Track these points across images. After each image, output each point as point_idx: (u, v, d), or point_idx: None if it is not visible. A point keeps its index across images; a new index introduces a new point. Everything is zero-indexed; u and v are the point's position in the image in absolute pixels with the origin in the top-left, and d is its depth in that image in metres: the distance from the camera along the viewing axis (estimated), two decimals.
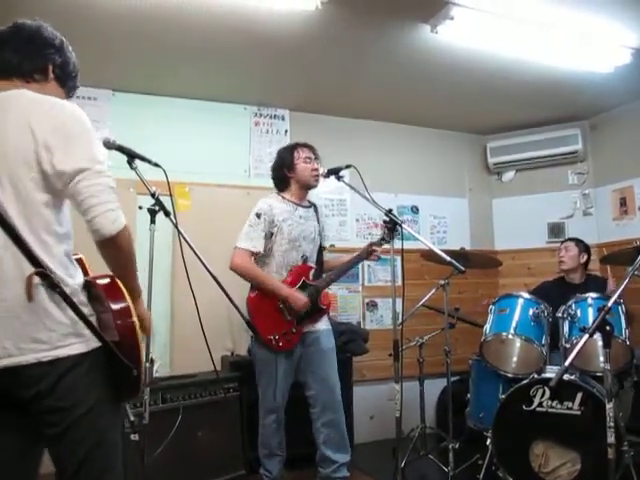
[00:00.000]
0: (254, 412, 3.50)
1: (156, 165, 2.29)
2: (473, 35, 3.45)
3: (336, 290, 4.73)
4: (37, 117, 1.55)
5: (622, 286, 2.03)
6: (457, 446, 3.56)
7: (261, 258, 3.23)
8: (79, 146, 1.57)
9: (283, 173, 3.34)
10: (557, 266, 4.24)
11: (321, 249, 3.44)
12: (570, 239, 4.24)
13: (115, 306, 1.63)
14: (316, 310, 3.26)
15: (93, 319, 1.61)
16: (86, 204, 1.54)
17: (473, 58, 3.80)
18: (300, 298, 3.15)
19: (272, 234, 3.21)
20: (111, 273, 1.69)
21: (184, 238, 2.26)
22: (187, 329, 3.71)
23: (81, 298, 1.60)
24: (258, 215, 3.20)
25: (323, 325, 3.34)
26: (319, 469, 3.22)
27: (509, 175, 5.50)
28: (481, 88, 4.35)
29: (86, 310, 1.60)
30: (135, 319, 1.65)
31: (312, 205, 3.44)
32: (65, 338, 1.54)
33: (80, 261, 1.76)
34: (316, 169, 3.27)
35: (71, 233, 1.68)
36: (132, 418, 2.20)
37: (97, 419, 1.58)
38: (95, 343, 1.59)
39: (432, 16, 3.25)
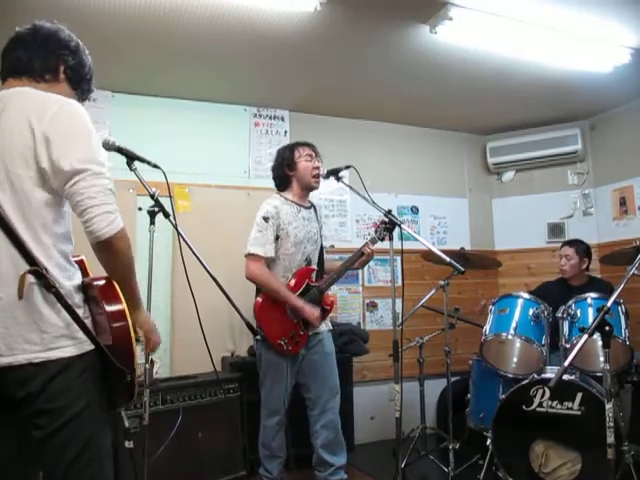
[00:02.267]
0: (254, 413, 3.50)
1: (155, 166, 2.29)
2: (472, 35, 3.45)
3: (336, 291, 4.73)
4: (37, 114, 1.55)
5: (621, 286, 2.03)
6: (457, 446, 3.56)
7: (267, 263, 3.17)
8: (78, 145, 1.56)
9: (284, 172, 3.29)
10: (557, 268, 4.23)
11: (322, 249, 3.43)
12: (570, 243, 4.13)
13: (109, 308, 1.61)
14: (321, 311, 3.26)
15: (88, 321, 1.60)
16: (83, 205, 1.53)
17: (472, 58, 3.80)
18: (313, 312, 3.13)
19: (278, 237, 3.16)
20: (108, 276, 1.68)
21: (184, 239, 2.26)
22: (187, 330, 3.71)
23: (76, 300, 1.59)
24: (266, 219, 3.14)
25: (325, 327, 3.32)
26: (316, 472, 3.20)
27: (509, 175, 5.50)
28: (480, 88, 4.35)
29: (81, 312, 1.58)
30: (130, 322, 1.62)
31: (312, 205, 3.41)
32: (57, 340, 1.53)
33: (81, 263, 1.75)
34: (317, 167, 3.24)
35: (71, 233, 1.67)
36: (127, 425, 2.16)
37: (86, 424, 1.56)
38: (88, 346, 1.57)
39: (431, 17, 3.26)
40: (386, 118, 5.09)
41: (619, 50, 3.69)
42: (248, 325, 2.25)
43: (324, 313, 3.28)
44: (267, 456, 3.16)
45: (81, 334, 1.56)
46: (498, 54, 3.73)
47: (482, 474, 3.30)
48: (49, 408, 1.50)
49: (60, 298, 1.51)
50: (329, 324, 3.38)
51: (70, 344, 1.54)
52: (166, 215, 2.32)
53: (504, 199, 5.52)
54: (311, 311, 3.12)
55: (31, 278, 1.49)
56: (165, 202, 2.37)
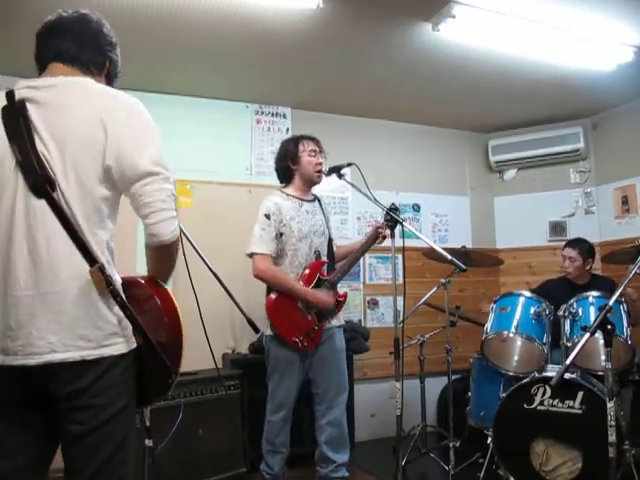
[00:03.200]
0: (255, 410, 3.51)
1: None
2: (475, 33, 3.44)
3: (338, 287, 4.72)
4: (109, 112, 1.53)
5: (623, 285, 2.03)
6: (458, 444, 3.57)
7: (274, 259, 3.16)
8: (152, 146, 1.57)
9: (287, 165, 3.28)
10: (560, 267, 4.21)
11: (330, 241, 3.40)
12: (573, 245, 4.07)
13: (164, 305, 1.63)
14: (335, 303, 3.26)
15: (126, 321, 1.57)
16: (152, 207, 1.53)
17: (475, 56, 3.79)
18: (327, 300, 3.15)
19: (282, 234, 3.14)
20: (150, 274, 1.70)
21: (185, 235, 2.26)
22: (188, 326, 3.68)
23: (124, 297, 1.56)
24: (267, 216, 3.13)
25: (337, 322, 3.31)
26: (318, 468, 3.21)
27: (511, 173, 5.49)
28: (483, 86, 4.34)
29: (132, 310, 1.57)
30: (181, 320, 1.64)
31: (316, 198, 3.39)
32: (110, 337, 1.52)
33: None
34: (320, 164, 3.23)
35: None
36: (148, 423, 2.13)
37: (123, 422, 1.55)
38: (134, 344, 1.57)
39: (434, 14, 3.25)
40: (388, 116, 5.08)
41: (622, 48, 3.68)
42: (249, 322, 2.25)
43: (337, 305, 3.28)
44: (270, 451, 3.14)
45: (128, 332, 1.56)
46: (501, 52, 3.72)
47: (482, 472, 3.30)
48: (92, 404, 1.49)
49: (116, 295, 1.51)
50: (341, 319, 3.35)
51: (120, 341, 1.54)
52: None
53: (506, 197, 5.52)
54: (324, 298, 3.13)
55: (88, 274, 1.48)
56: None
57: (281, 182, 3.36)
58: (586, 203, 5.18)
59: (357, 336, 4.30)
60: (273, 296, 3.10)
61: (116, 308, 1.52)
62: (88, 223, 1.51)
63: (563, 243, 4.26)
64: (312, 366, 3.19)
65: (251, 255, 3.12)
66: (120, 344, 1.53)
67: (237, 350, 4.19)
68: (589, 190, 5.18)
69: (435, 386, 4.61)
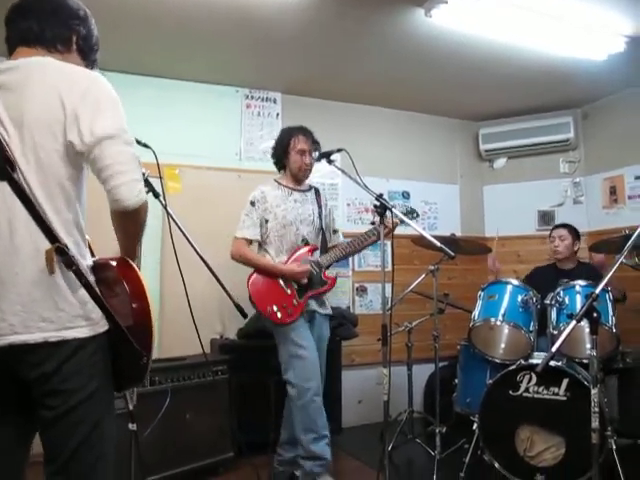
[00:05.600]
0: (243, 395, 3.52)
1: (145, 146, 2.26)
2: (467, 20, 3.43)
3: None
4: (67, 88, 1.50)
5: (610, 273, 2.04)
6: (444, 430, 3.59)
7: (261, 245, 3.32)
8: (111, 114, 1.53)
9: (280, 155, 3.38)
10: (549, 254, 4.25)
11: (322, 231, 3.42)
12: (562, 225, 4.18)
13: (131, 288, 1.60)
14: (319, 283, 3.28)
15: (92, 304, 1.55)
16: (110, 170, 1.48)
17: (467, 43, 3.78)
18: (297, 269, 3.19)
19: (267, 220, 3.27)
20: (121, 255, 1.68)
21: (173, 219, 2.25)
22: (176, 312, 3.70)
23: (91, 279, 1.54)
24: (252, 203, 3.28)
25: (323, 310, 3.35)
26: (281, 452, 3.27)
27: (500, 162, 5.50)
28: (474, 74, 4.34)
29: (98, 292, 1.55)
30: (150, 303, 1.62)
31: (312, 188, 3.45)
32: (74, 319, 1.49)
33: (87, 243, 1.71)
34: (308, 164, 3.31)
35: (86, 212, 1.62)
36: (132, 407, 2.12)
37: (96, 405, 1.54)
38: (101, 328, 1.54)
39: (426, 0, 3.23)
40: (379, 103, 5.07)
41: (614, 38, 3.68)
42: (237, 307, 2.25)
43: (322, 286, 3.30)
44: (315, 439, 3.03)
45: (95, 315, 1.53)
46: (493, 40, 3.72)
47: (468, 457, 3.33)
48: (62, 389, 1.48)
49: (80, 276, 1.48)
50: (327, 308, 3.39)
51: (85, 324, 1.51)
52: (156, 195, 2.30)
53: (495, 186, 5.53)
54: (292, 267, 3.20)
55: (51, 254, 1.45)
56: (155, 183, 2.35)
57: (277, 169, 3.45)
58: (575, 193, 5.21)
59: (345, 322, 4.31)
60: (254, 274, 3.24)
61: (82, 290, 1.50)
62: (52, 203, 1.49)
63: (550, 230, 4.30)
64: None
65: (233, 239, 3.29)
66: (85, 327, 1.51)
67: (225, 335, 4.19)
68: (578, 180, 5.20)
69: (422, 373, 4.63)
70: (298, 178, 3.37)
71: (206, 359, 3.50)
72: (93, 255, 1.73)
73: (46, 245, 1.45)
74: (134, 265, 1.67)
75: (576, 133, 5.12)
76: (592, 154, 5.14)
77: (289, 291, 3.20)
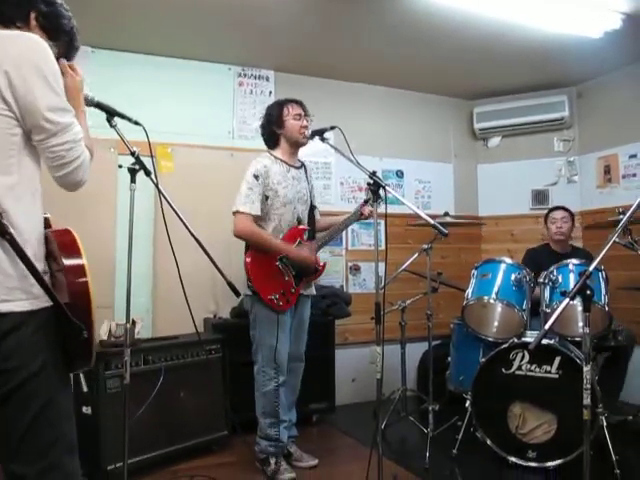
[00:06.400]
0: (237, 373, 3.52)
1: (137, 123, 2.23)
2: None
3: (320, 253, 4.72)
4: (3, 54, 1.46)
5: (603, 252, 2.04)
6: (437, 408, 3.61)
7: (258, 222, 3.16)
8: (42, 91, 1.49)
9: (272, 130, 3.28)
10: (545, 235, 4.24)
11: (312, 209, 3.42)
12: (563, 208, 4.18)
13: (68, 262, 1.53)
14: (313, 269, 3.29)
15: (47, 277, 1.51)
16: (54, 162, 1.52)
17: (461, 21, 3.73)
18: (307, 256, 3.22)
19: (267, 197, 3.16)
20: (70, 229, 1.62)
21: (165, 198, 2.23)
22: (169, 291, 3.70)
23: (36, 251, 1.49)
24: (256, 177, 3.13)
25: (313, 290, 3.39)
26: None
27: (495, 141, 5.48)
28: (469, 52, 4.29)
29: (40, 266, 1.48)
30: (89, 279, 1.54)
31: (302, 165, 3.41)
32: (10, 292, 1.42)
33: (46, 221, 1.65)
34: (305, 126, 3.22)
35: (39, 180, 1.58)
36: (85, 389, 2.05)
37: (44, 384, 1.47)
38: (44, 303, 1.47)
39: None
40: (373, 80, 5.02)
41: (610, 15, 3.64)
42: (230, 285, 2.24)
43: (317, 273, 3.33)
44: (273, 423, 3.15)
45: (36, 289, 1.45)
46: (488, 17, 3.67)
47: (460, 435, 3.36)
48: (2, 368, 1.41)
49: (14, 245, 1.40)
50: (313, 290, 3.41)
51: (24, 298, 1.44)
52: (147, 173, 2.28)
53: (489, 165, 5.51)
54: (305, 253, 3.20)
55: None
56: (147, 162, 2.33)
57: (267, 147, 3.35)
58: (569, 172, 5.20)
59: (339, 301, 4.32)
60: (249, 258, 3.13)
61: (21, 262, 1.43)
62: None
63: (545, 212, 4.30)
64: None
65: (234, 214, 3.12)
66: (24, 301, 1.44)
67: (218, 315, 4.19)
68: (572, 159, 5.19)
69: (416, 351, 4.65)
70: (299, 143, 3.27)
71: (199, 338, 3.51)
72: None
73: None
74: (76, 237, 1.60)
75: (571, 112, 5.09)
76: (586, 133, 5.13)
77: (287, 277, 3.17)
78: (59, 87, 1.54)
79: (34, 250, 1.48)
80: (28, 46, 1.51)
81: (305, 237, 3.29)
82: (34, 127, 1.49)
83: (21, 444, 1.45)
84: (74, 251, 1.56)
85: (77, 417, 1.63)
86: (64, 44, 1.73)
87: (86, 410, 2.10)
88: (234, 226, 3.11)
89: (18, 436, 1.45)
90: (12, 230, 1.41)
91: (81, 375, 1.95)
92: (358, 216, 3.36)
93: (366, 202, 3.29)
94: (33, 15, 1.65)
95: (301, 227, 3.28)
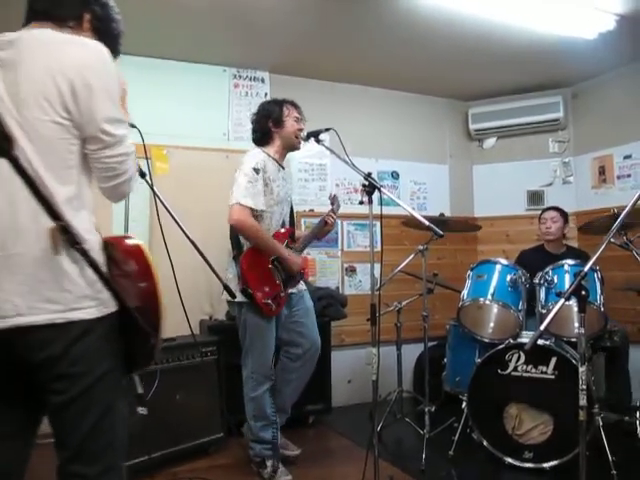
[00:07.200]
0: (232, 376, 3.51)
1: (132, 126, 2.22)
2: None
3: (315, 255, 4.73)
4: (67, 61, 1.46)
5: (598, 252, 2.04)
6: (433, 409, 3.61)
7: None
8: (106, 104, 1.50)
9: (268, 127, 3.22)
10: (539, 235, 4.25)
11: (292, 212, 3.43)
12: (554, 208, 4.22)
13: (138, 267, 1.59)
14: (299, 275, 3.29)
15: (99, 284, 1.51)
16: (104, 173, 1.54)
17: (456, 22, 3.73)
18: (298, 262, 3.19)
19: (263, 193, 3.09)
20: (133, 235, 1.67)
21: (160, 200, 2.23)
22: (165, 293, 3.67)
23: (99, 258, 1.51)
24: (257, 170, 3.02)
25: (303, 285, 3.39)
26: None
27: (490, 142, 5.48)
28: (464, 53, 4.30)
29: (104, 271, 1.51)
30: (158, 282, 1.59)
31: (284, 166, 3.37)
32: (80, 300, 1.45)
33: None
34: (302, 130, 3.19)
35: (92, 188, 1.59)
36: (140, 390, 2.08)
37: (106, 389, 1.51)
38: (110, 308, 1.51)
39: None
40: (368, 82, 5.02)
41: (604, 16, 3.65)
42: (226, 287, 2.24)
43: (300, 278, 3.33)
44: (264, 426, 3.15)
45: (103, 295, 1.49)
46: (483, 18, 3.67)
47: (457, 436, 3.36)
48: (70, 372, 1.44)
49: (86, 255, 1.43)
50: (303, 284, 3.42)
51: (93, 305, 1.47)
52: (142, 175, 2.27)
53: (485, 166, 5.52)
54: (297, 259, 3.18)
55: (55, 233, 1.41)
56: (142, 164, 2.32)
57: (257, 143, 3.29)
58: (564, 173, 5.21)
59: (335, 303, 4.32)
60: (248, 256, 3.06)
61: (89, 270, 1.46)
62: (54, 179, 1.45)
63: (540, 213, 4.31)
64: (287, 328, 3.25)
65: (232, 206, 2.99)
66: (92, 308, 1.47)
67: (214, 317, 4.18)
68: (567, 160, 5.20)
69: (412, 352, 4.65)
70: (294, 147, 3.26)
71: (195, 340, 3.50)
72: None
73: (49, 223, 1.41)
74: (141, 243, 1.65)
75: (566, 113, 5.10)
76: (581, 134, 5.14)
77: (278, 280, 3.13)
78: (117, 98, 1.55)
79: (97, 257, 1.50)
80: (96, 56, 1.52)
81: (290, 239, 3.29)
82: (90, 137, 1.50)
83: (82, 447, 1.48)
84: (142, 256, 1.62)
85: None
86: (110, 49, 1.72)
87: (142, 411, 2.12)
88: (230, 215, 2.97)
89: (79, 440, 1.47)
90: (81, 240, 1.44)
91: (136, 377, 1.97)
92: (323, 225, 3.37)
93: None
94: (87, 17, 1.64)
95: (286, 229, 3.27)
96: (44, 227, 1.42)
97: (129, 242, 1.65)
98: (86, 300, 1.46)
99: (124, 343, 1.56)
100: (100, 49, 1.53)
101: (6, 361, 1.47)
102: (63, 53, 1.48)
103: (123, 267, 1.56)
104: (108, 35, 1.70)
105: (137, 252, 1.63)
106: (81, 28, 1.63)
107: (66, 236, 1.41)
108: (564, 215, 4.17)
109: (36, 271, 1.42)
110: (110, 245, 1.59)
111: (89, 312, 1.46)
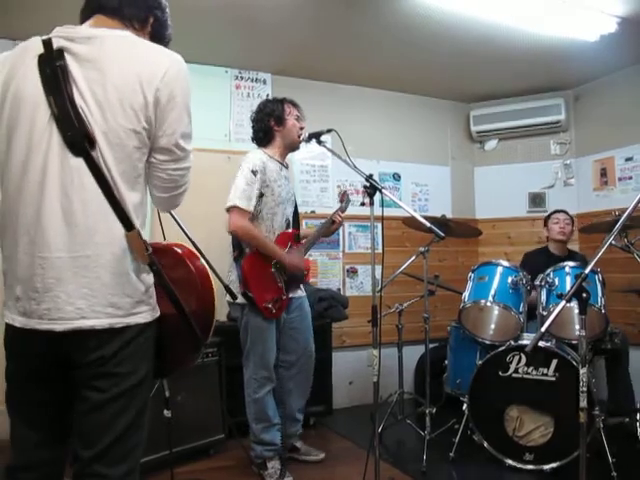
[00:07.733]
0: (234, 377, 3.51)
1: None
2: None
3: (317, 256, 4.73)
4: (152, 70, 1.46)
5: (599, 254, 2.04)
6: (434, 411, 3.61)
7: (252, 221, 3.05)
8: (183, 120, 1.54)
9: (270, 125, 3.20)
10: (548, 235, 4.23)
11: (296, 211, 3.42)
12: (560, 210, 4.24)
13: (197, 271, 1.62)
14: (301, 277, 3.28)
15: (151, 289, 1.54)
16: (161, 183, 1.58)
17: (458, 24, 3.74)
18: (299, 263, 3.18)
19: (263, 195, 3.05)
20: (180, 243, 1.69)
21: None
22: None
23: (159, 265, 1.53)
24: (254, 172, 3.00)
25: (303, 292, 3.38)
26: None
27: (492, 144, 5.49)
28: (466, 55, 4.30)
29: (149, 278, 1.53)
30: (214, 291, 1.62)
31: (287, 165, 3.37)
32: (137, 305, 1.47)
33: None
34: (303, 128, 3.18)
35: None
36: (167, 394, 2.09)
37: (144, 391, 1.52)
38: (157, 312, 1.53)
39: None
40: (370, 84, 5.03)
41: (606, 19, 3.65)
42: (227, 289, 2.23)
43: (305, 278, 3.35)
44: (266, 428, 3.14)
45: (153, 300, 1.52)
46: (485, 20, 3.68)
47: (457, 438, 3.36)
48: (115, 372, 1.44)
49: (153, 263, 1.46)
50: (303, 290, 3.41)
51: (146, 310, 1.49)
52: None
53: (486, 168, 5.52)
54: (297, 261, 3.16)
55: (124, 239, 1.44)
56: None
57: (257, 143, 3.28)
58: (565, 175, 5.21)
59: (336, 304, 4.31)
60: (250, 259, 3.04)
61: (144, 275, 1.48)
62: (126, 185, 1.45)
63: (542, 215, 4.33)
64: (283, 334, 3.23)
65: (229, 209, 2.99)
66: (146, 312, 1.49)
67: (215, 318, 4.17)
68: (569, 162, 5.20)
69: (413, 354, 4.65)
70: (295, 145, 3.25)
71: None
72: None
73: (119, 229, 1.43)
74: (195, 251, 1.69)
75: (567, 115, 5.11)
76: (583, 136, 5.14)
77: (280, 283, 3.12)
78: (188, 112, 1.56)
79: (158, 265, 1.52)
80: (180, 69, 1.54)
81: (294, 240, 3.27)
82: (161, 148, 1.50)
83: (111, 447, 1.45)
84: (197, 261, 1.66)
85: None
86: None
87: (167, 413, 2.13)
88: (230, 222, 2.98)
89: (110, 440, 1.45)
90: (149, 247, 1.49)
91: (164, 381, 1.98)
92: (330, 224, 3.39)
93: (342, 210, 3.43)
94: (151, 20, 1.65)
95: (291, 230, 3.25)
96: (115, 232, 1.43)
97: (186, 249, 1.69)
98: (142, 305, 1.49)
99: (164, 348, 1.58)
100: (182, 61, 1.56)
101: (49, 360, 1.47)
102: (151, 62, 1.48)
103: (171, 273, 1.57)
104: (162, 41, 1.70)
105: (194, 257, 1.66)
106: (143, 31, 1.63)
107: (140, 242, 1.45)
108: (573, 220, 4.22)
109: (103, 275, 1.42)
110: (158, 251, 1.58)
111: (143, 316, 1.49)
